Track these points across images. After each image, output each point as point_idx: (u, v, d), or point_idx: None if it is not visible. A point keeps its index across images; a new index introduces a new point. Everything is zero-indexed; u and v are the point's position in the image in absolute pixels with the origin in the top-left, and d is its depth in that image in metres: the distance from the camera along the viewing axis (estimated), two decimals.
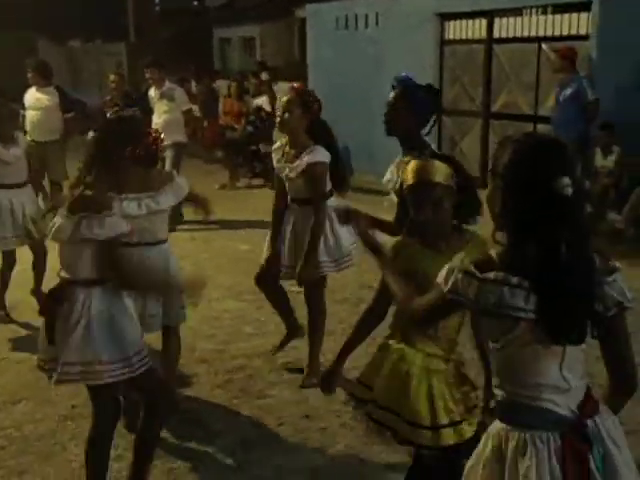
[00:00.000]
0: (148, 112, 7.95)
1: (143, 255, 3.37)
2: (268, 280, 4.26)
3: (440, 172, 2.35)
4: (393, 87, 3.34)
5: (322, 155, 3.93)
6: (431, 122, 3.38)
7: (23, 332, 5.02)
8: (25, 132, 7.59)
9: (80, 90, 15.68)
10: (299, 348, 4.49)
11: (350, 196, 4.09)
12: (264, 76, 11.93)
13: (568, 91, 7.13)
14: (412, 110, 3.25)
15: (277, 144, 4.20)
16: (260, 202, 7.80)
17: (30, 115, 7.54)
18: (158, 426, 3.03)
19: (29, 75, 7.62)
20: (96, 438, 2.95)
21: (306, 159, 3.90)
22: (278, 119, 4.06)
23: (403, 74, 3.38)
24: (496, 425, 1.81)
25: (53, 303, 2.78)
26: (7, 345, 4.82)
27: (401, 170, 3.24)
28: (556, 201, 1.64)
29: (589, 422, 1.73)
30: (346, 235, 4.02)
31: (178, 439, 3.58)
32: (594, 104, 7.02)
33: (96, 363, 2.73)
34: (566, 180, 1.63)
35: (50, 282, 4.38)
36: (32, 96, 7.59)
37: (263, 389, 4.14)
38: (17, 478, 3.30)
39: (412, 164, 2.41)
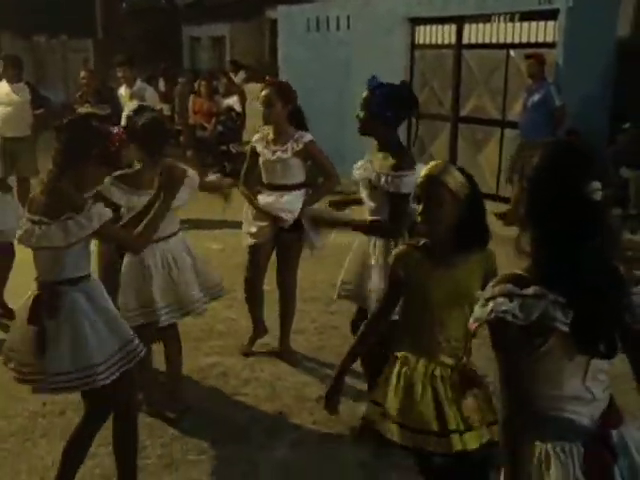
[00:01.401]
0: (119, 110, 7.91)
1: (164, 249, 3.58)
2: (258, 281, 4.44)
3: (452, 176, 2.31)
4: (368, 87, 3.40)
5: (309, 135, 4.22)
6: (411, 120, 3.48)
7: None
8: None
9: (45, 86, 15.42)
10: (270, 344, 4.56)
11: (322, 199, 4.19)
12: (241, 75, 11.89)
13: (536, 97, 7.31)
14: (386, 109, 3.31)
15: (257, 135, 4.37)
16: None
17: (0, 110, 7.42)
18: (134, 426, 3.00)
19: (1, 69, 7.52)
20: (81, 437, 2.92)
21: (303, 140, 4.17)
22: (263, 114, 4.24)
23: (373, 77, 3.43)
24: None
25: (43, 309, 2.70)
26: None
27: (376, 163, 3.32)
28: (586, 206, 1.62)
29: (614, 433, 1.72)
30: None
31: (150, 437, 3.58)
32: (561, 110, 7.20)
33: (90, 367, 2.69)
34: (596, 184, 1.62)
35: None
36: (2, 91, 7.47)
37: (236, 386, 4.16)
38: None
39: (428, 165, 2.41)
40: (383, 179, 3.24)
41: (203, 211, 7.91)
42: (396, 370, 2.42)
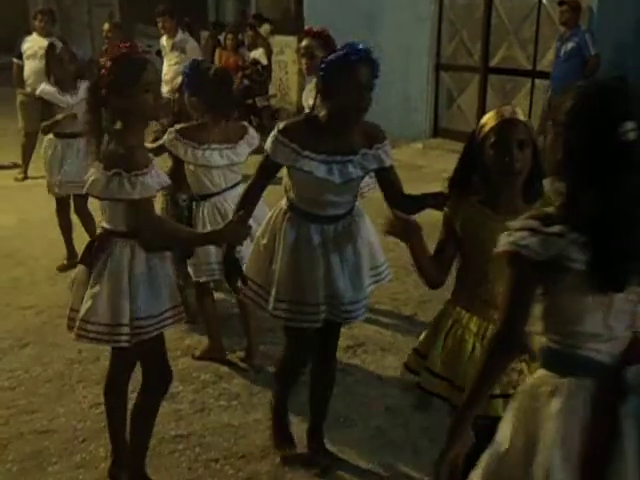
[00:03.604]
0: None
1: (223, 202, 3.63)
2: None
3: (521, 114, 2.27)
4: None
5: None
6: None
7: (26, 278, 5.08)
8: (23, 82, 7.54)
9: (70, 40, 15.40)
10: None
11: None
12: (265, 28, 11.76)
13: (569, 45, 7.10)
14: None
15: (309, 87, 4.11)
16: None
17: (34, 64, 7.28)
18: (160, 395, 2.85)
19: (37, 22, 7.48)
20: (142, 413, 2.82)
21: None
22: (304, 65, 4.08)
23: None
24: (536, 372, 1.82)
25: (93, 252, 2.64)
26: (11, 291, 4.88)
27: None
28: (620, 146, 1.61)
29: (632, 369, 1.72)
30: None
31: (182, 383, 3.67)
32: (595, 59, 6.99)
33: (117, 326, 2.59)
34: (630, 124, 1.61)
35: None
36: (35, 44, 7.35)
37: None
38: (28, 416, 3.39)
39: (491, 112, 2.30)
40: None
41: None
42: (448, 324, 2.35)
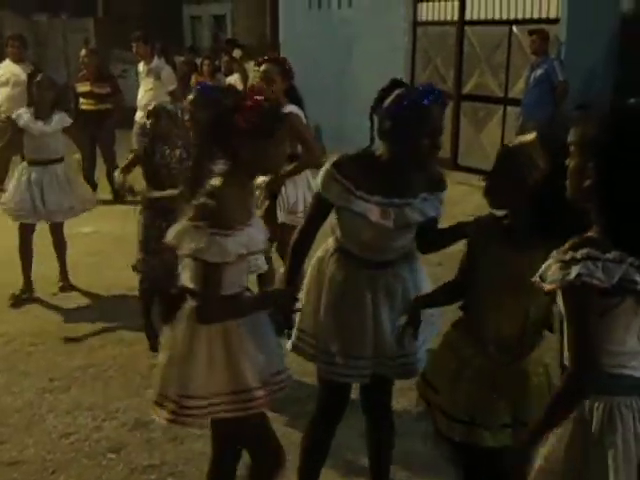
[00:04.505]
0: (118, 88, 7.90)
1: None
2: None
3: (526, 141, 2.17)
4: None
5: (296, 109, 4.16)
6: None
7: None
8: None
9: (45, 66, 15.37)
10: None
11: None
12: (236, 53, 11.84)
13: (538, 72, 7.29)
14: None
15: None
16: None
17: (6, 91, 7.42)
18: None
19: (9, 48, 7.53)
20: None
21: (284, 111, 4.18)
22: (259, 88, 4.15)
23: None
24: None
25: (171, 311, 2.33)
26: None
27: None
28: None
29: None
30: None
31: None
32: (563, 85, 7.17)
33: (243, 391, 2.26)
34: None
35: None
36: (7, 70, 7.48)
37: None
38: None
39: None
40: None
41: None
42: (455, 365, 2.26)
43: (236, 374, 2.25)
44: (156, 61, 7.95)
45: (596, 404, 1.76)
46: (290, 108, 4.08)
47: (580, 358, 1.70)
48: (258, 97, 2.29)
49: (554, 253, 1.73)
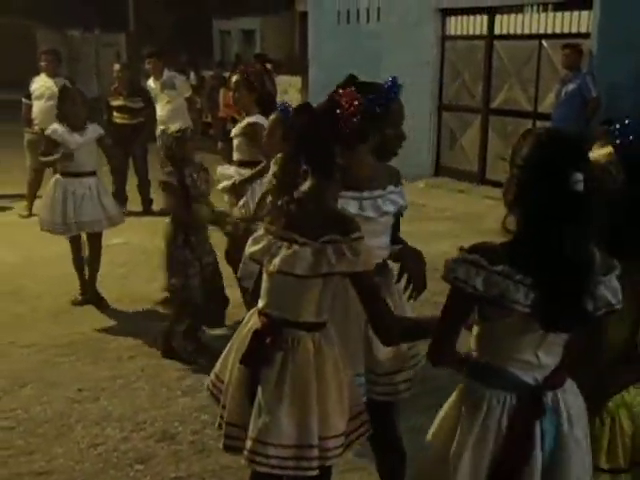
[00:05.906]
0: (151, 102, 8.00)
1: None
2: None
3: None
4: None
5: (260, 119, 4.41)
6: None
7: (28, 316, 5.07)
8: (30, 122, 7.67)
9: (78, 80, 15.66)
10: None
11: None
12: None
13: (570, 87, 7.22)
14: None
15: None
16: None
17: (41, 104, 7.56)
18: None
19: (43, 63, 7.69)
20: None
21: (245, 120, 4.52)
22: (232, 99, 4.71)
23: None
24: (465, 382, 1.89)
25: (265, 349, 2.10)
26: (12, 329, 4.86)
27: None
28: (567, 196, 1.66)
29: (550, 393, 1.81)
30: None
31: (182, 424, 3.65)
32: (596, 101, 7.09)
33: (309, 447, 2.07)
34: (579, 176, 1.65)
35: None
36: (43, 84, 7.62)
37: None
38: (26, 457, 3.35)
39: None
40: None
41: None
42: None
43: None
44: (167, 73, 8.04)
45: (472, 389, 1.84)
46: (256, 118, 4.43)
47: (434, 343, 1.85)
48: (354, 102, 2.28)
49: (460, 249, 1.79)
